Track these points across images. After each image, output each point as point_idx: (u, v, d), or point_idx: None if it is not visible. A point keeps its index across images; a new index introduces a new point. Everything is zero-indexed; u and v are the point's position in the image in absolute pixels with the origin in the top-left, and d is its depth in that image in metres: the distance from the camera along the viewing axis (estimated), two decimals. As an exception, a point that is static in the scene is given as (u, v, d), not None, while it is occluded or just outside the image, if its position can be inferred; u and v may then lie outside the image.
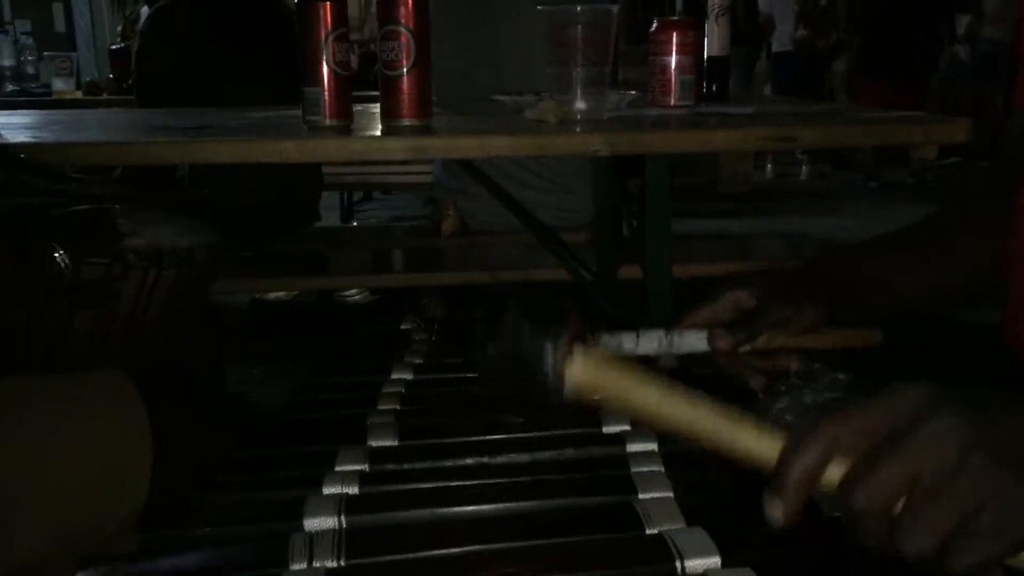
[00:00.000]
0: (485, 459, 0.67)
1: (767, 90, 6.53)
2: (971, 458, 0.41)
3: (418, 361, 0.91)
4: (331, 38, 1.27)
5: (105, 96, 4.12)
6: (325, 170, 2.93)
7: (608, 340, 0.76)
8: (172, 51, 2.38)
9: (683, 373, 0.89)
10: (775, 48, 6.57)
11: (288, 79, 1.41)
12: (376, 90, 1.33)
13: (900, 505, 0.43)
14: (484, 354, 0.49)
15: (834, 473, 0.45)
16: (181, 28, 2.39)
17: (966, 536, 0.41)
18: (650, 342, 0.76)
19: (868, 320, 0.85)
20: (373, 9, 4.47)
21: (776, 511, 0.44)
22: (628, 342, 0.76)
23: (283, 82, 1.61)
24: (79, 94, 4.19)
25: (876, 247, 0.87)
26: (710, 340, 0.75)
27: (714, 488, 0.63)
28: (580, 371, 0.48)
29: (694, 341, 0.76)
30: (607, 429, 0.72)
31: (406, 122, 1.31)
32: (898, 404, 0.44)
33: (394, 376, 0.87)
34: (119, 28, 5.66)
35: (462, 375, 0.88)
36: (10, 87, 4.38)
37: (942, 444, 0.42)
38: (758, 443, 0.47)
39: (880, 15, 5.97)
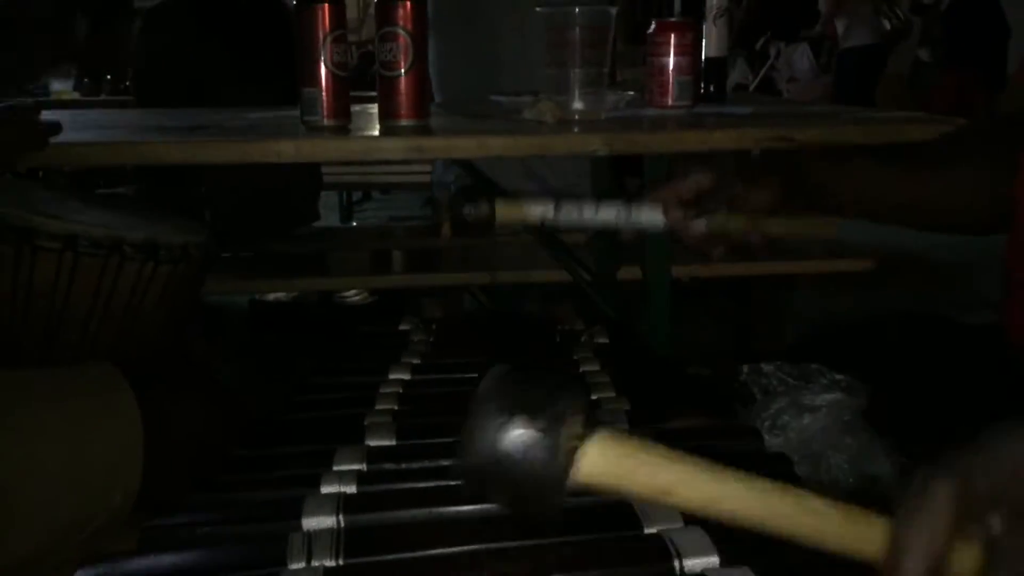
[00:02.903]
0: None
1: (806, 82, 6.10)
2: None
3: (416, 361, 0.91)
4: (329, 39, 1.27)
5: (103, 96, 4.12)
6: (324, 170, 2.92)
7: (569, 209, 0.80)
8: (169, 51, 2.37)
9: (680, 371, 0.89)
10: (847, 43, 5.91)
11: (286, 79, 1.41)
12: (374, 90, 1.34)
13: None
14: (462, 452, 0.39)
15: (964, 557, 0.37)
16: (178, 28, 2.39)
17: None
18: (608, 212, 0.80)
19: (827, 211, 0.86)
20: (371, 11, 4.46)
21: None
22: (588, 211, 0.80)
23: (281, 82, 1.61)
24: (77, 94, 4.18)
25: (866, 155, 0.87)
26: (665, 212, 0.79)
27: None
28: (597, 461, 0.38)
29: (651, 214, 0.80)
30: (605, 428, 0.72)
31: (404, 122, 1.31)
32: (1008, 460, 0.37)
33: (392, 376, 0.87)
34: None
35: (460, 375, 0.88)
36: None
37: None
38: (851, 527, 0.39)
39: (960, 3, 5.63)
